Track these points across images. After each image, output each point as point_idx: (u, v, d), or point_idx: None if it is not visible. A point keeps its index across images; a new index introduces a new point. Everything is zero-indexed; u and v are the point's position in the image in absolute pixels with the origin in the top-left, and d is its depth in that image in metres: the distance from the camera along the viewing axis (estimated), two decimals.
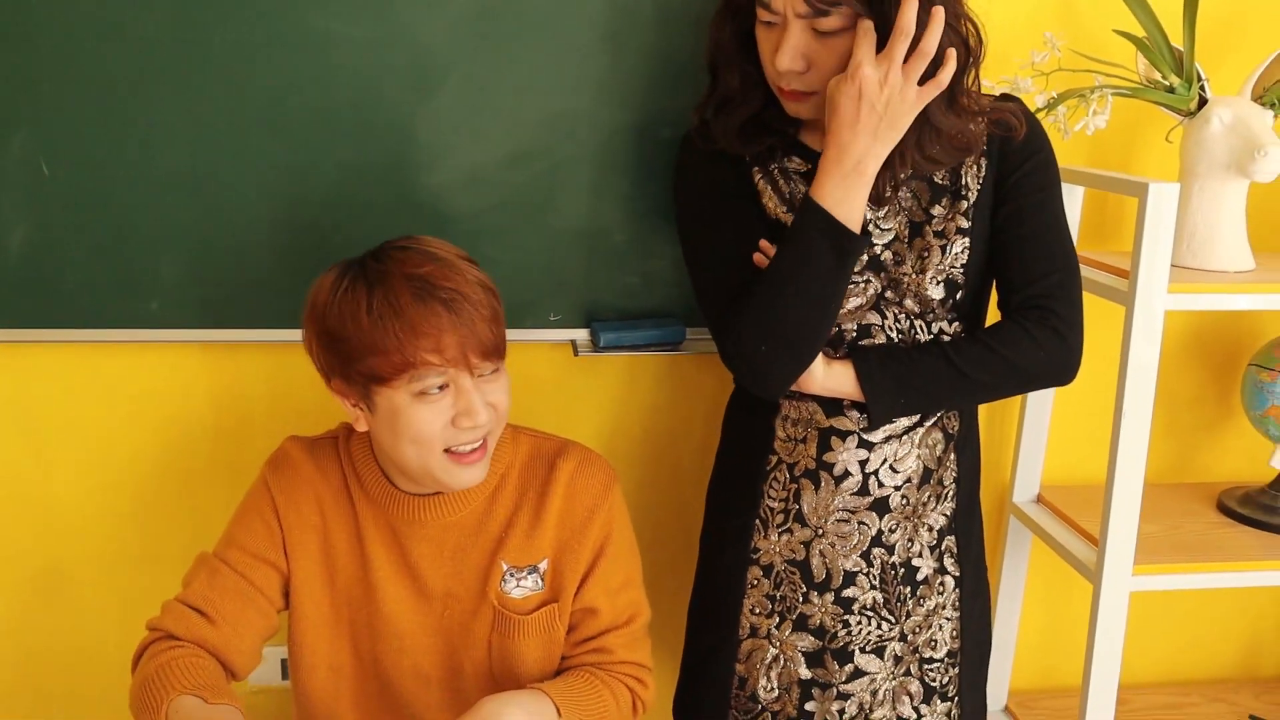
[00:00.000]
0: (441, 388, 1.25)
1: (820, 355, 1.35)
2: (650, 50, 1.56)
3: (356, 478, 1.38)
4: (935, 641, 1.43)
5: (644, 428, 1.80)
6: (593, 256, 1.63)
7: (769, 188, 1.38)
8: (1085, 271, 1.58)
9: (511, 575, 1.37)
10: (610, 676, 1.36)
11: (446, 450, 1.28)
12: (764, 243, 1.34)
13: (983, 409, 1.51)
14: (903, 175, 1.31)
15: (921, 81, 1.21)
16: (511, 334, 1.36)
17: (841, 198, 1.26)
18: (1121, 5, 1.55)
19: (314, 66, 1.51)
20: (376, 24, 1.50)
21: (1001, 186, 1.34)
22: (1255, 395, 1.70)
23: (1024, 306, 1.33)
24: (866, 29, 1.21)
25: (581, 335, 1.67)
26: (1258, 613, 2.01)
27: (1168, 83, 1.56)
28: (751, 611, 1.47)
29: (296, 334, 1.61)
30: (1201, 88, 1.56)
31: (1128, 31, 1.55)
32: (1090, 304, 1.58)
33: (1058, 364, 1.34)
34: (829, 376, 1.35)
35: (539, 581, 1.37)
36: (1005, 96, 1.39)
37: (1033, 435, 1.79)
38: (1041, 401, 1.77)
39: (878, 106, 1.21)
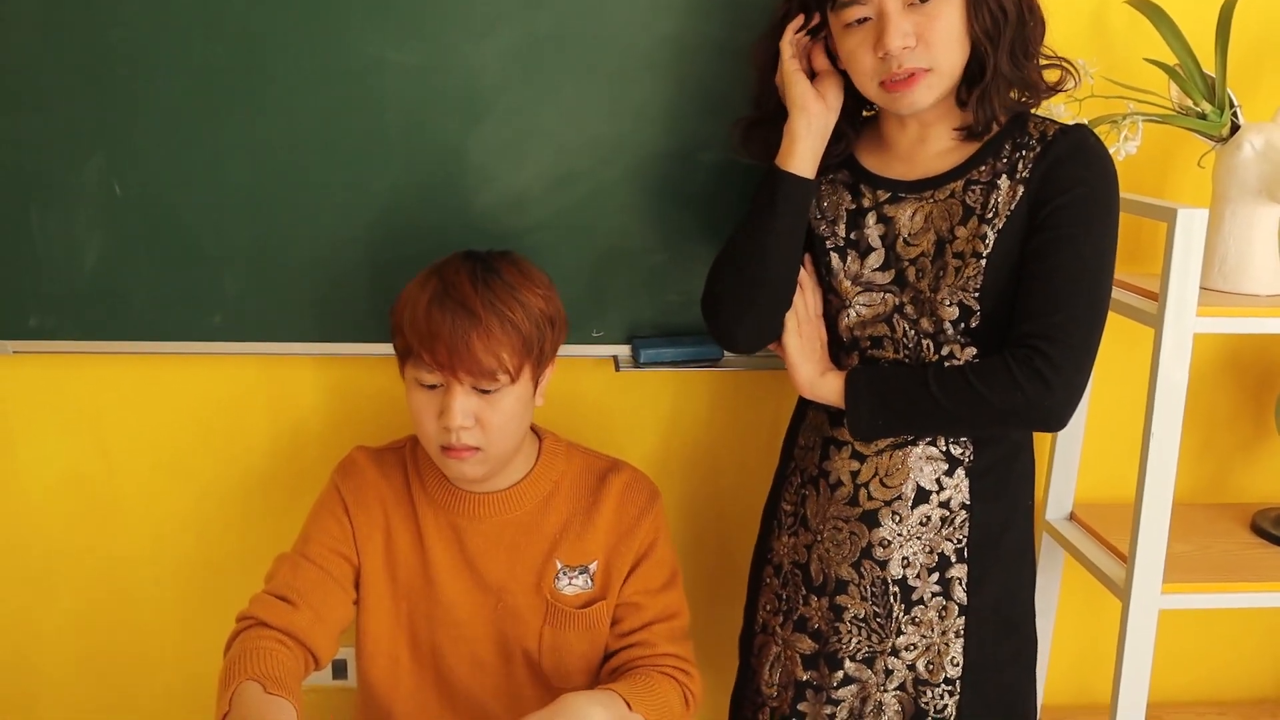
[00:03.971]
0: (436, 385, 1.37)
1: (820, 363, 1.42)
2: (690, 77, 1.61)
3: (420, 480, 1.49)
4: (933, 665, 1.42)
5: (684, 442, 1.85)
6: (634, 275, 1.69)
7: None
8: (1116, 294, 1.60)
9: (564, 573, 1.47)
10: (657, 671, 1.44)
11: (439, 446, 1.39)
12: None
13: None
14: (972, 116, 1.34)
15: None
16: None
17: (784, 151, 1.39)
18: (1154, 33, 1.58)
19: (367, 92, 1.58)
20: (427, 52, 1.57)
21: (1037, 215, 1.31)
22: None
23: (1016, 343, 1.30)
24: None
25: (623, 351, 1.72)
26: None
27: (1200, 109, 1.59)
28: (764, 608, 1.55)
29: (350, 348, 1.69)
30: (1234, 114, 1.58)
31: (1159, 60, 1.58)
32: (1123, 325, 1.62)
33: (1038, 408, 1.29)
34: (819, 384, 1.42)
35: (589, 581, 1.47)
36: (1079, 126, 1.36)
37: (1066, 453, 1.81)
38: (1074, 420, 1.79)
39: (782, 83, 1.40)
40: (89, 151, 1.59)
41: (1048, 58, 1.36)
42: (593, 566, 1.48)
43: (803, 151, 1.38)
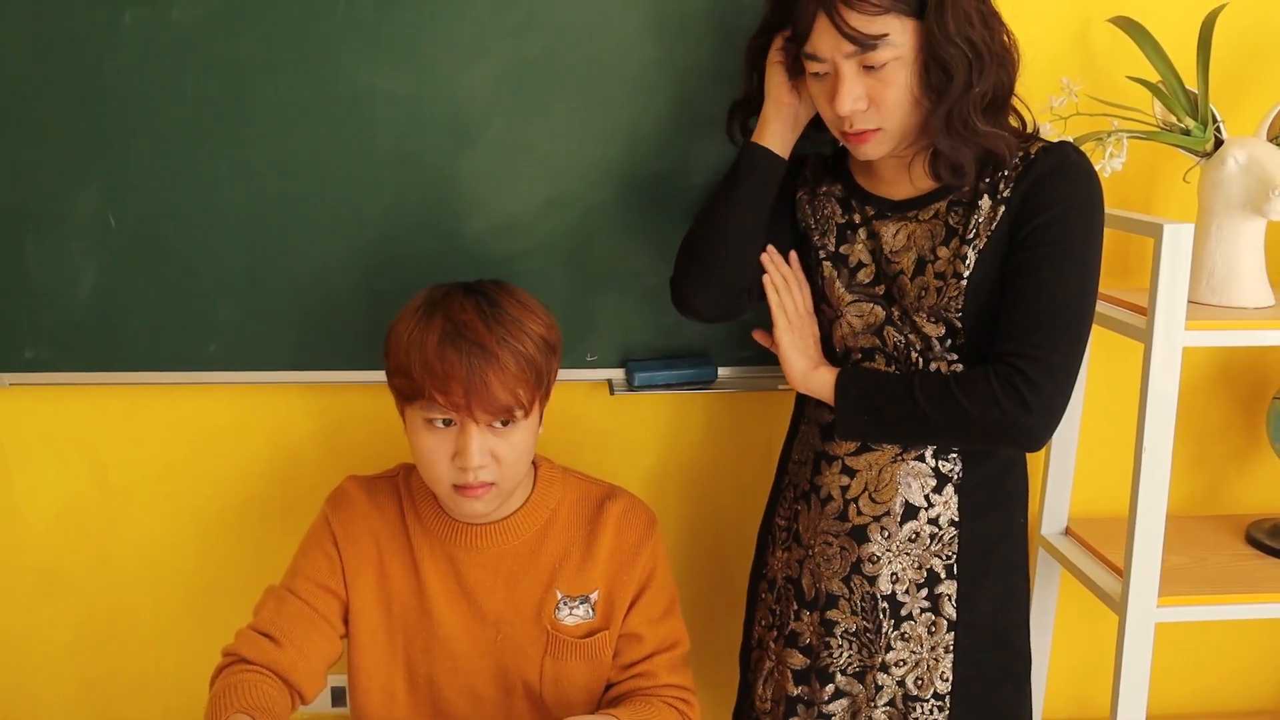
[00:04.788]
0: (448, 422, 1.34)
1: (813, 358, 1.44)
2: (680, 101, 1.62)
3: (415, 511, 1.46)
4: (923, 681, 1.42)
5: (680, 463, 1.86)
6: (627, 298, 1.70)
7: (806, 204, 1.48)
8: (1106, 309, 1.62)
9: (565, 604, 1.45)
10: (659, 701, 1.43)
11: (452, 485, 1.37)
12: (771, 248, 1.47)
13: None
14: (934, 166, 1.34)
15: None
16: None
17: (756, 132, 1.43)
18: (1137, 50, 1.60)
19: (358, 120, 1.59)
20: (418, 79, 1.59)
21: (1018, 233, 1.32)
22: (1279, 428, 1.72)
23: (997, 359, 1.31)
24: None
25: (617, 375, 1.73)
26: None
27: (1183, 125, 1.60)
28: (759, 623, 1.56)
29: (344, 375, 1.69)
30: (1217, 129, 1.60)
31: (1142, 78, 1.60)
32: (1113, 340, 1.63)
33: (1016, 426, 1.30)
34: (812, 378, 1.43)
35: (590, 611, 1.46)
36: (1063, 144, 1.35)
37: (1060, 468, 1.82)
38: (1067, 434, 1.80)
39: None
40: (84, 183, 1.60)
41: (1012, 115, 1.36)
42: (594, 596, 1.46)
43: (773, 131, 1.42)
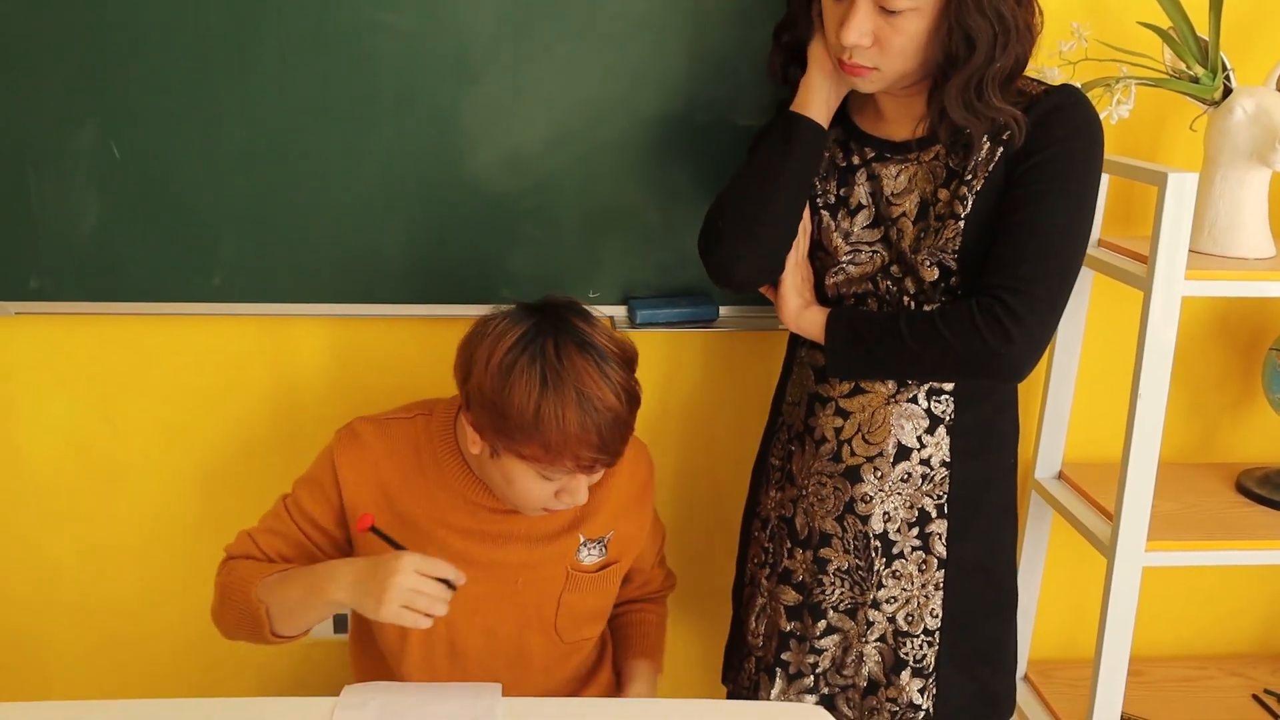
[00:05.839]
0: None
1: (805, 298, 1.45)
2: (685, 40, 1.61)
3: (437, 465, 1.45)
4: (913, 617, 1.46)
5: (680, 401, 1.87)
6: (630, 236, 1.70)
7: None
8: (1107, 256, 1.63)
9: (585, 546, 1.50)
10: (652, 606, 1.67)
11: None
12: None
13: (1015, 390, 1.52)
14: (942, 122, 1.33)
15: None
16: None
17: (800, 99, 1.40)
18: None
19: (361, 55, 1.59)
20: (420, 14, 1.57)
21: (1014, 171, 1.32)
22: (1275, 378, 1.73)
23: (981, 293, 1.32)
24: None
25: (620, 312, 1.74)
26: (1276, 590, 2.05)
27: (1193, 73, 1.59)
28: (752, 560, 1.59)
29: (349, 308, 1.70)
30: (1227, 77, 1.58)
31: (1153, 24, 1.58)
32: (1112, 288, 1.64)
33: (997, 357, 1.31)
34: (804, 317, 1.44)
35: (604, 549, 1.51)
36: (1066, 87, 1.35)
37: (1056, 413, 1.84)
38: (1064, 380, 1.82)
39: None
40: (85, 116, 1.59)
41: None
42: (608, 536, 1.51)
43: (818, 101, 1.39)
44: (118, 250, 1.65)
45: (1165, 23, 1.58)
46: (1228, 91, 1.58)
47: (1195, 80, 1.59)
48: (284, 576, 1.39)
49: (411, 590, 1.27)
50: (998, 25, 1.24)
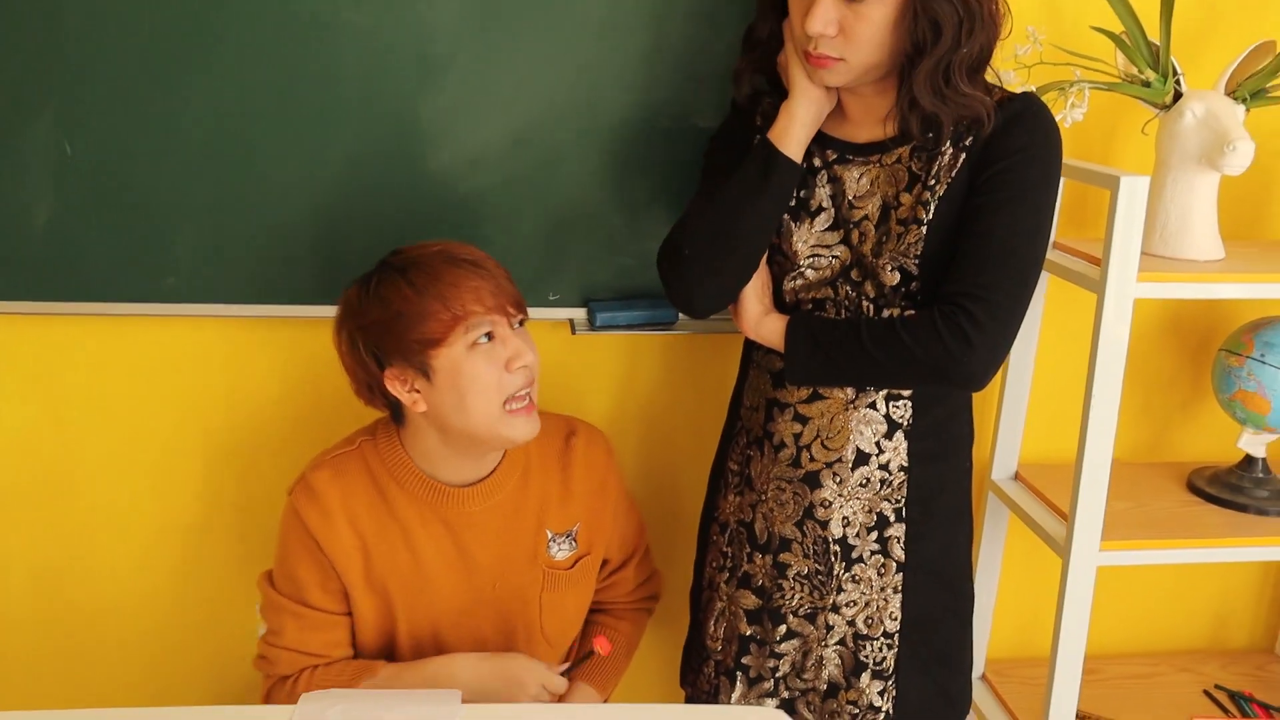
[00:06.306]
0: (488, 336, 1.37)
1: (764, 304, 1.45)
2: (648, 42, 1.61)
3: (395, 482, 1.46)
4: (873, 620, 1.47)
5: (639, 403, 1.87)
6: (590, 238, 1.70)
7: None
8: (1061, 259, 1.65)
9: (554, 541, 1.51)
10: (629, 612, 1.67)
11: (505, 405, 1.39)
12: None
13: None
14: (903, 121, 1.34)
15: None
16: None
17: (780, 130, 1.39)
18: (1102, 1, 1.61)
19: (321, 52, 1.57)
20: (382, 12, 1.56)
21: (976, 179, 1.33)
22: (1224, 379, 1.76)
23: (943, 300, 1.33)
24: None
25: (579, 314, 1.74)
26: (1225, 588, 2.08)
27: (1144, 77, 1.62)
28: (710, 564, 1.59)
29: (305, 309, 1.69)
30: (1177, 82, 1.61)
31: (1106, 29, 1.61)
32: (1066, 290, 1.66)
33: (959, 364, 1.31)
34: (763, 324, 1.44)
35: (574, 543, 1.53)
36: (1027, 95, 1.37)
37: (1011, 415, 1.86)
38: (1020, 382, 1.84)
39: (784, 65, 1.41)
40: (38, 110, 1.56)
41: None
42: (576, 528, 1.53)
43: (798, 133, 1.38)
44: (70, 249, 1.62)
45: (1118, 27, 1.61)
46: (1178, 95, 1.61)
47: (1147, 84, 1.62)
48: (392, 679, 1.45)
49: (533, 698, 1.43)
50: (963, 11, 1.26)
